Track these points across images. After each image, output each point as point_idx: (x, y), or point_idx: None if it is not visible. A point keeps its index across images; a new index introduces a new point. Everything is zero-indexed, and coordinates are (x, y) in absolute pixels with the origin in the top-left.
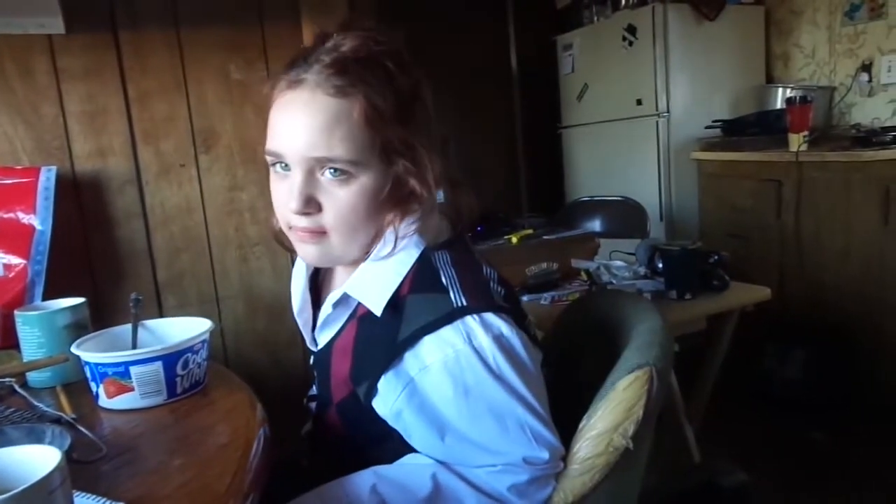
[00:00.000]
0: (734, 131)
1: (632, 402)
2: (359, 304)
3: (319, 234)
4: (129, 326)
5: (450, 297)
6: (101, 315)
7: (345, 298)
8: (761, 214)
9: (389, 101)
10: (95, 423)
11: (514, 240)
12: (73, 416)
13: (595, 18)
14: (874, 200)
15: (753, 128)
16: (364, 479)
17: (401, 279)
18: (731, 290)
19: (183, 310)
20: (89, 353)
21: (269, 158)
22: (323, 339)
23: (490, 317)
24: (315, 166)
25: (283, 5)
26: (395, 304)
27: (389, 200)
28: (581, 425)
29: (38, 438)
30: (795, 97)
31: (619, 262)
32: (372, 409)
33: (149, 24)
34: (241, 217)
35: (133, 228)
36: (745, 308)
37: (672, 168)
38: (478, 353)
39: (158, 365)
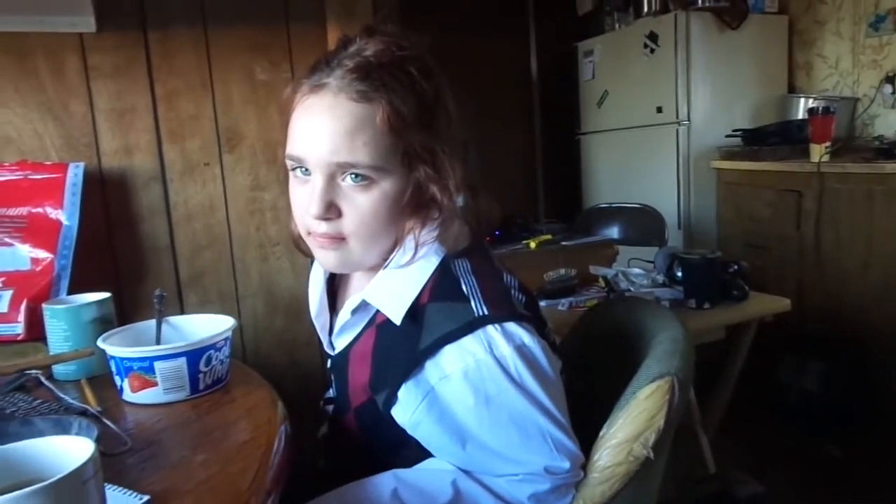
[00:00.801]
0: (755, 141)
1: (653, 411)
2: (378, 311)
3: (339, 240)
4: (152, 322)
5: (471, 306)
6: (123, 310)
7: (363, 305)
8: (780, 225)
9: (412, 107)
10: (119, 417)
11: (533, 245)
12: (98, 409)
13: (617, 25)
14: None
15: (774, 137)
16: (385, 482)
17: (420, 287)
18: (751, 301)
19: (203, 307)
20: (115, 347)
21: (289, 163)
22: (340, 343)
23: (511, 326)
24: (336, 171)
25: (308, 7)
26: (415, 312)
27: (410, 207)
28: (601, 434)
29: (64, 430)
30: (818, 108)
31: (637, 270)
32: (391, 416)
33: (177, 24)
34: (263, 216)
35: (157, 225)
36: (764, 319)
37: (691, 176)
38: (499, 362)
39: (182, 361)
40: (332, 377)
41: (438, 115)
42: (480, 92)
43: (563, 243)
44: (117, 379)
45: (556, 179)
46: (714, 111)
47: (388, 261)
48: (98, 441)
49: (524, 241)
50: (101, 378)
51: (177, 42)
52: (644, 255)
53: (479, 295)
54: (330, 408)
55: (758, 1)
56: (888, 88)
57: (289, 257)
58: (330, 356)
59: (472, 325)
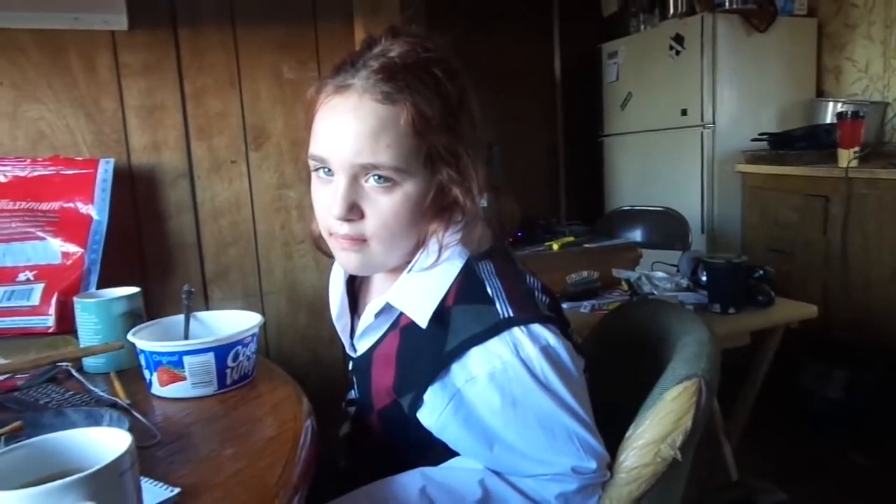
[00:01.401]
0: (781, 145)
1: (680, 413)
2: (401, 314)
3: (360, 241)
4: (180, 317)
5: (496, 308)
6: (149, 304)
7: (387, 308)
8: (806, 230)
9: (436, 109)
10: (148, 410)
11: (556, 247)
12: (128, 401)
13: (642, 27)
14: None
15: (801, 142)
16: (413, 481)
17: (445, 290)
18: (777, 307)
19: (228, 303)
20: (145, 341)
21: (312, 163)
22: (363, 345)
23: (536, 327)
24: (360, 172)
25: (335, 6)
26: (441, 315)
27: (432, 209)
28: (628, 434)
29: (96, 422)
30: (847, 112)
31: (660, 273)
32: (416, 419)
33: (207, 23)
34: (288, 214)
35: (184, 222)
36: (790, 325)
37: (715, 180)
38: (525, 363)
39: (210, 356)
40: (354, 379)
41: (462, 118)
42: (503, 93)
43: (586, 245)
44: (146, 372)
45: (579, 181)
46: (740, 114)
47: (411, 263)
48: (129, 433)
49: (547, 243)
50: (130, 371)
51: (206, 40)
52: (667, 258)
53: (504, 297)
54: (352, 409)
55: (786, 3)
56: None
57: (313, 255)
58: (352, 358)
59: (497, 327)
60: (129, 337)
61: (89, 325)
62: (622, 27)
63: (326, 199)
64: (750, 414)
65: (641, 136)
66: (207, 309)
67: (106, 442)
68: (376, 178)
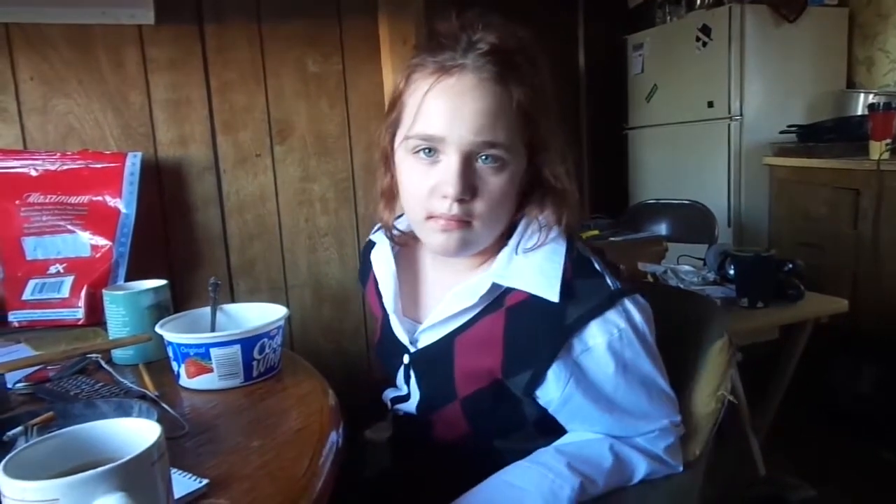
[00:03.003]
0: (810, 137)
1: (724, 365)
2: (505, 295)
3: (465, 222)
4: (207, 309)
5: (606, 282)
6: (176, 297)
7: (493, 289)
8: (836, 223)
9: (538, 92)
10: (176, 402)
11: (583, 238)
12: (156, 393)
13: (668, 18)
14: None
15: (831, 134)
16: (552, 459)
17: (562, 267)
18: (806, 301)
19: (253, 296)
20: (173, 333)
21: (416, 143)
22: (430, 337)
23: (639, 297)
24: (475, 151)
25: (360, 1)
26: (561, 290)
27: (526, 190)
28: (690, 385)
29: (126, 413)
30: (879, 103)
31: (687, 267)
32: (527, 397)
33: (232, 18)
34: (312, 207)
35: (209, 215)
36: (819, 320)
37: (742, 173)
38: (637, 331)
39: (237, 348)
40: (412, 373)
41: (553, 103)
42: None
43: (611, 239)
44: (174, 364)
45: (604, 174)
46: (768, 106)
47: (513, 243)
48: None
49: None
50: (157, 363)
51: (231, 35)
52: (694, 252)
53: (608, 271)
54: (402, 406)
55: None
56: None
57: (337, 248)
58: (407, 352)
59: (612, 298)
60: (157, 329)
61: (118, 318)
62: (648, 18)
63: (430, 181)
64: (778, 409)
65: (667, 128)
66: (233, 301)
67: (136, 432)
68: (486, 157)
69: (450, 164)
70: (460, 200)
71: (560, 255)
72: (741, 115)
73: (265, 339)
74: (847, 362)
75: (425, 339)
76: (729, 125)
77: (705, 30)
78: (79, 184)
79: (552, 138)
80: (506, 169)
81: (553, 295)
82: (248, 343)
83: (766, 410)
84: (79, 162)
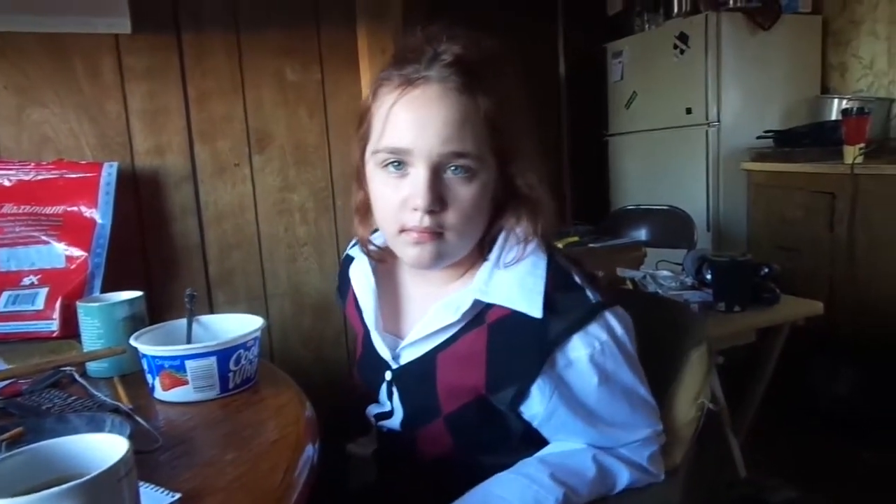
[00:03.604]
0: (786, 142)
1: (704, 371)
2: (487, 311)
3: (437, 234)
4: (183, 321)
5: (587, 294)
6: (154, 308)
7: (475, 305)
8: (813, 227)
9: (505, 102)
10: (151, 415)
11: (560, 247)
12: (131, 406)
13: (646, 26)
14: None
15: (807, 139)
16: (538, 470)
17: (544, 281)
18: (782, 304)
19: (232, 306)
20: (147, 346)
21: (383, 157)
22: (412, 353)
23: (619, 309)
24: (443, 163)
25: (339, 11)
26: (543, 306)
27: (499, 201)
28: (670, 394)
29: (98, 427)
30: (852, 108)
31: (665, 272)
32: (511, 413)
33: (210, 27)
34: (292, 217)
35: (187, 225)
36: (796, 322)
37: (721, 178)
38: (618, 343)
39: (213, 360)
40: (395, 389)
41: (525, 113)
42: None
43: (591, 245)
44: (149, 377)
45: (584, 181)
46: (745, 112)
47: (492, 258)
48: (131, 438)
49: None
50: (133, 376)
51: (209, 44)
52: (672, 257)
53: (588, 283)
54: (385, 423)
55: (791, 1)
56: None
57: (317, 258)
58: (389, 369)
59: (593, 311)
60: (132, 341)
61: (92, 330)
62: (627, 26)
63: (400, 193)
64: (757, 411)
65: (646, 135)
66: (211, 312)
67: (104, 448)
68: (456, 168)
69: (418, 176)
70: (431, 212)
71: (541, 268)
72: (719, 121)
73: (241, 351)
74: (825, 364)
75: (407, 356)
76: (707, 131)
77: (683, 37)
78: (53, 194)
79: (523, 147)
80: (476, 179)
81: (536, 311)
82: (224, 355)
83: (745, 413)
84: (54, 172)
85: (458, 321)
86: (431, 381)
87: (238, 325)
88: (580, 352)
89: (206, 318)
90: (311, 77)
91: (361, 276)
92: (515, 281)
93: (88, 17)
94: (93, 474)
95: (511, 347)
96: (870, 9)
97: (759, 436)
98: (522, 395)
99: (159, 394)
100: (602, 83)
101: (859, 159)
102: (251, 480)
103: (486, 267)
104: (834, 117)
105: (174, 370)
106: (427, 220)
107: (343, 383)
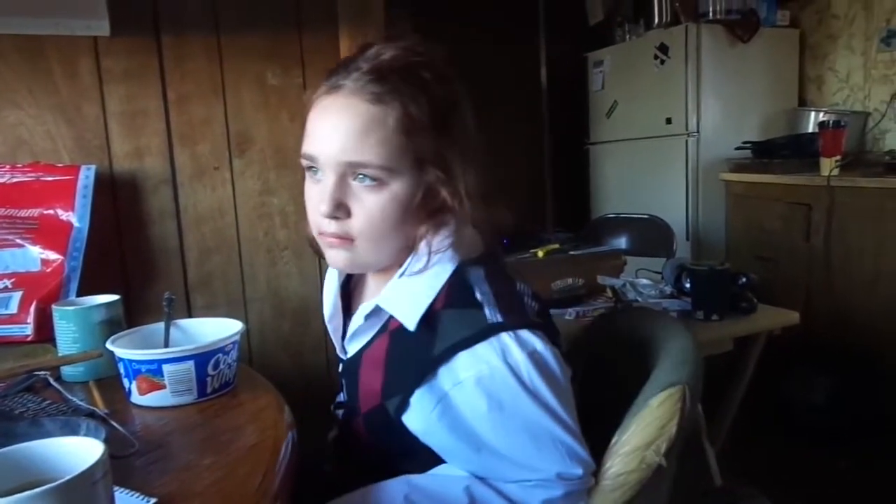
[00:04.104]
0: (764, 153)
1: (665, 419)
2: (391, 317)
3: (347, 240)
4: (161, 325)
5: (484, 313)
6: (131, 312)
7: (377, 311)
8: (790, 237)
9: (425, 111)
10: (127, 419)
11: (541, 254)
12: (106, 410)
13: (627, 36)
14: None
15: (784, 150)
16: (397, 488)
17: (435, 294)
18: (759, 313)
19: (211, 310)
20: (123, 349)
21: (304, 162)
22: (353, 348)
23: (525, 333)
24: (347, 171)
25: (321, 15)
26: (429, 319)
27: (421, 211)
28: (613, 441)
29: (73, 431)
30: (829, 121)
31: (645, 281)
32: (401, 423)
33: (190, 30)
34: (272, 221)
35: (166, 228)
36: (773, 332)
37: (700, 188)
38: (512, 369)
39: (190, 364)
40: (344, 382)
41: (453, 122)
42: (489, 100)
43: (571, 253)
44: (125, 381)
45: (565, 189)
46: (724, 123)
47: (402, 267)
48: (106, 443)
49: (532, 250)
50: (110, 380)
51: (189, 47)
52: (652, 265)
53: (493, 302)
54: (340, 412)
55: (769, 14)
56: None
57: (297, 262)
58: (342, 360)
59: (485, 331)
60: (108, 345)
61: (67, 334)
62: (608, 36)
63: (316, 198)
64: (734, 420)
65: (627, 144)
66: (190, 316)
67: (78, 452)
68: (363, 177)
69: (326, 181)
70: (334, 218)
71: (440, 280)
72: (698, 131)
73: (220, 355)
74: (801, 373)
75: (351, 350)
76: (686, 141)
77: (663, 48)
78: (29, 197)
79: (448, 157)
80: (384, 188)
81: (411, 323)
82: (202, 359)
83: (722, 421)
84: (29, 175)
85: (365, 325)
86: (357, 378)
87: (217, 330)
88: (468, 372)
89: (185, 322)
90: (292, 81)
91: (333, 270)
92: (408, 290)
93: (66, 20)
94: (67, 478)
95: (402, 357)
96: (846, 24)
97: (735, 444)
98: (404, 405)
99: (136, 398)
100: (584, 92)
101: (835, 171)
102: (228, 485)
103: (397, 274)
104: (811, 129)
105: (151, 374)
106: (333, 226)
107: (323, 388)
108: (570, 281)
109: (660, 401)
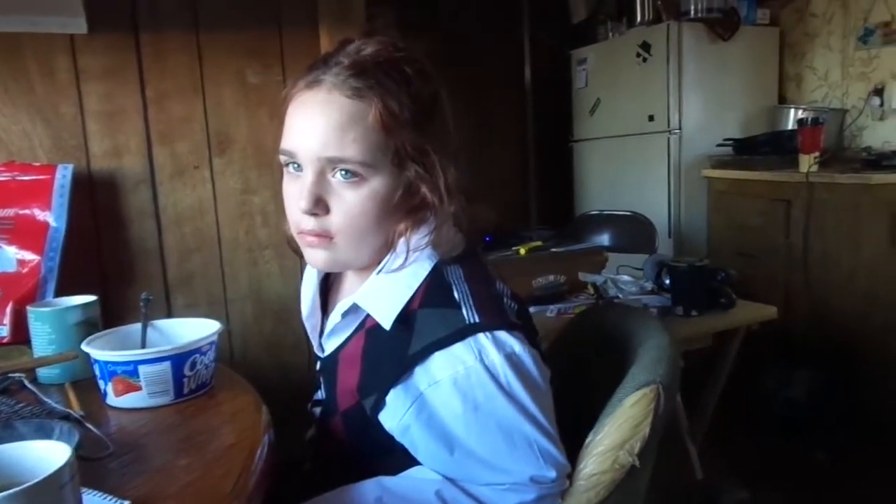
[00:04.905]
0: (745, 150)
1: (639, 419)
2: (368, 315)
3: (326, 238)
4: (138, 326)
5: (462, 313)
6: (110, 313)
7: (354, 308)
8: (770, 234)
9: (406, 107)
10: (103, 421)
11: (523, 251)
12: (82, 413)
13: (610, 34)
14: (882, 223)
15: (764, 147)
16: (369, 490)
17: (412, 292)
18: (738, 309)
19: (192, 310)
20: (99, 350)
21: (282, 158)
22: (330, 346)
23: (502, 334)
24: (326, 166)
25: (301, 13)
26: (406, 317)
27: (401, 208)
28: (587, 441)
29: (46, 434)
30: (807, 118)
31: (626, 277)
32: (378, 421)
33: (169, 27)
34: (253, 220)
35: (145, 228)
36: (751, 327)
37: (682, 185)
38: (489, 370)
39: (167, 365)
40: (322, 379)
41: (433, 118)
42: (474, 98)
43: (553, 250)
44: (101, 383)
45: (549, 186)
46: (705, 120)
47: (380, 265)
48: (80, 446)
49: (514, 248)
50: (86, 382)
51: (168, 44)
52: (634, 262)
53: (471, 302)
54: (318, 410)
55: (749, 13)
56: (876, 101)
57: (278, 261)
58: (319, 358)
59: (462, 332)
60: (83, 346)
61: (43, 335)
62: (591, 34)
63: (295, 195)
64: (714, 414)
65: (610, 141)
66: (170, 317)
67: (47, 455)
68: (343, 172)
69: (305, 178)
70: (314, 214)
71: (418, 279)
72: (680, 128)
73: (197, 356)
74: (780, 367)
75: (328, 348)
76: (668, 138)
77: (645, 46)
78: (5, 197)
79: (429, 153)
80: (364, 184)
81: (387, 322)
82: (179, 359)
83: (702, 415)
84: (5, 174)
85: (343, 323)
86: (334, 376)
87: (195, 330)
88: (443, 372)
89: (162, 323)
90: (272, 79)
91: (311, 269)
92: (385, 288)
93: (42, 17)
94: (33, 481)
95: (379, 355)
96: (824, 23)
97: (717, 438)
98: (380, 403)
99: (112, 400)
100: (567, 89)
101: (814, 168)
102: (204, 486)
103: (374, 272)
104: (791, 126)
105: (127, 375)
106: (312, 223)
107: (305, 388)
108: (551, 278)
109: (633, 400)
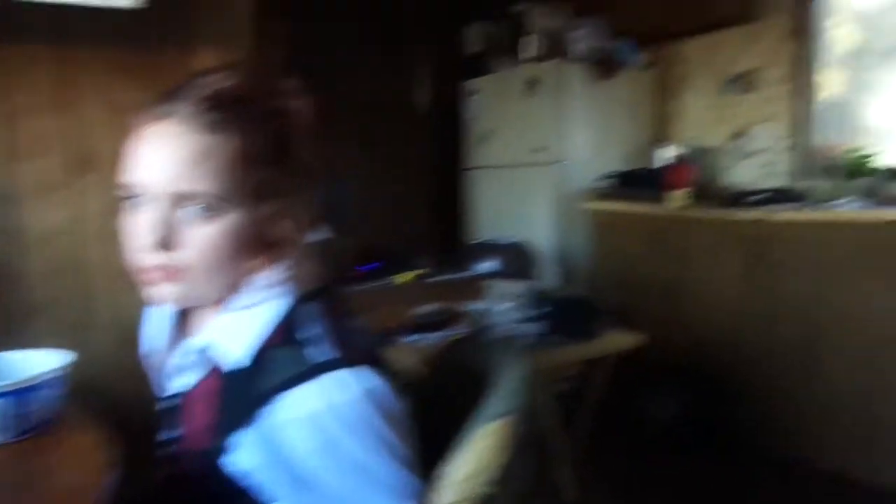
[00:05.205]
0: (625, 184)
1: (492, 449)
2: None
3: (174, 274)
4: None
5: (315, 351)
6: None
7: (203, 347)
8: (648, 264)
9: (263, 142)
10: None
11: (403, 280)
12: None
13: (502, 67)
14: (739, 257)
15: (642, 182)
16: None
17: (263, 331)
18: (609, 336)
19: (51, 338)
20: None
21: (122, 192)
22: (178, 384)
23: (356, 370)
24: (176, 201)
25: (176, 33)
26: (259, 356)
27: (255, 244)
28: (444, 472)
29: None
30: (677, 156)
31: (506, 305)
32: (229, 463)
33: (31, 39)
34: (118, 243)
35: (2, 251)
36: (622, 353)
37: (567, 215)
38: (339, 408)
39: (3, 402)
40: (166, 420)
41: (293, 153)
42: (367, 126)
43: (437, 278)
44: None
45: (447, 212)
46: (589, 154)
47: (234, 301)
48: None
49: (393, 276)
50: None
51: (28, 58)
52: (517, 290)
53: (324, 339)
54: (164, 451)
55: (630, 56)
56: (738, 142)
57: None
58: (163, 398)
59: (314, 370)
60: None
61: None
62: (484, 65)
63: (141, 231)
64: (594, 433)
65: (500, 171)
66: (26, 346)
67: None
68: (195, 207)
69: (151, 212)
70: (158, 251)
71: (269, 317)
72: (565, 160)
73: (41, 390)
74: (655, 389)
75: (175, 386)
76: (554, 170)
77: (534, 81)
78: None
79: (287, 190)
80: (216, 220)
81: (235, 361)
82: (19, 395)
83: (577, 438)
84: None
85: (191, 362)
86: (182, 416)
87: (42, 362)
88: (292, 413)
89: (7, 355)
90: (142, 97)
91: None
92: (236, 327)
93: None
94: None
95: (233, 395)
96: (696, 66)
97: (597, 460)
98: (231, 445)
99: None
100: (462, 119)
101: (684, 203)
102: None
103: (224, 310)
104: (666, 163)
105: None
106: (154, 260)
107: None
108: (434, 306)
109: (488, 431)
